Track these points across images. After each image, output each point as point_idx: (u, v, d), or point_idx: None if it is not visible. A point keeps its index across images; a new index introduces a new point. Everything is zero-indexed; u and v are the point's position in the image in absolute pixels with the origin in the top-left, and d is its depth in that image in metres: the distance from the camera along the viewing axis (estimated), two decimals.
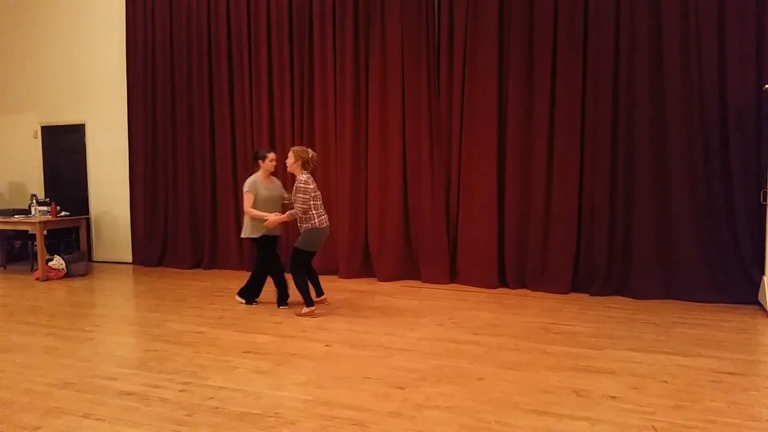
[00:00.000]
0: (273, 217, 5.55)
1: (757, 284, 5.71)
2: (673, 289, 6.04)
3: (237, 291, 6.43)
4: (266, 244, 5.77)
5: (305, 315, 5.50)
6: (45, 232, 7.99)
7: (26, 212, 8.24)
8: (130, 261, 8.87)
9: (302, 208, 5.33)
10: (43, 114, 9.34)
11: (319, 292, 5.87)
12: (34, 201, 8.08)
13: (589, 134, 6.33)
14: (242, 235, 5.81)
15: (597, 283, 6.26)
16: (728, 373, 3.89)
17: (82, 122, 9.09)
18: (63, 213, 8.31)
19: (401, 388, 3.67)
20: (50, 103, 9.28)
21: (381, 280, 7.19)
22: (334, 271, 7.58)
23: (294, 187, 5.38)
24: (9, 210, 8.37)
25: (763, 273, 5.54)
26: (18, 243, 9.21)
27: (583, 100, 6.35)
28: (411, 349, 4.45)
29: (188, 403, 3.48)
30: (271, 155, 5.78)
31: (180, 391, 3.68)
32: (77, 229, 8.44)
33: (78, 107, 9.10)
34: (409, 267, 7.24)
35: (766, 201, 5.46)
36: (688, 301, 5.92)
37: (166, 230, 8.60)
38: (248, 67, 7.92)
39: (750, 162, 5.82)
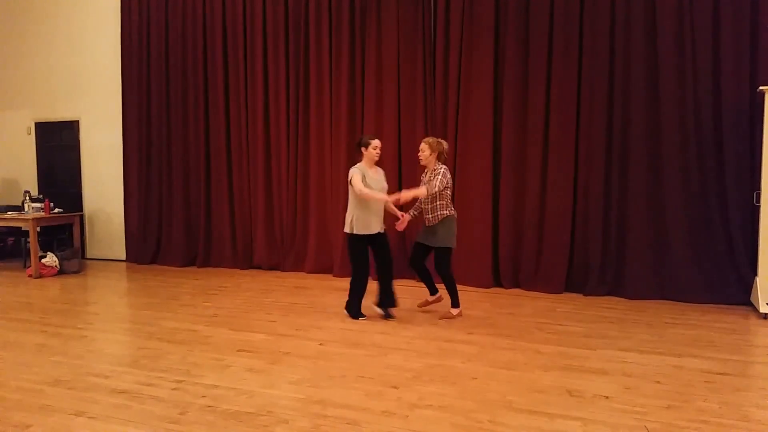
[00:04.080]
0: (405, 194, 5.09)
1: (749, 285, 5.74)
2: (667, 290, 6.06)
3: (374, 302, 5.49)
4: (363, 242, 5.18)
5: (456, 317, 5.33)
6: (38, 229, 7.95)
7: (19, 209, 8.20)
8: (124, 258, 8.82)
9: (437, 185, 4.98)
10: (37, 110, 9.28)
11: (434, 291, 5.53)
12: (28, 197, 8.03)
13: (583, 135, 6.34)
14: (346, 230, 5.17)
15: (591, 283, 6.28)
16: (720, 373, 3.91)
17: (77, 119, 9.04)
18: (56, 210, 8.26)
19: (395, 387, 3.67)
20: (44, 99, 9.22)
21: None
22: (328, 270, 7.56)
23: (430, 175, 5.12)
24: (2, 206, 8.32)
25: (755, 274, 5.56)
26: (11, 240, 9.16)
27: (578, 101, 6.36)
28: (405, 348, 4.45)
29: (181, 402, 3.47)
30: (376, 142, 5.21)
31: (173, 389, 3.67)
32: (70, 226, 8.39)
33: (72, 103, 9.05)
34: (403, 266, 7.23)
35: (759, 202, 5.48)
36: (681, 301, 5.94)
37: (160, 228, 8.57)
38: (243, 65, 7.89)
39: (743, 163, 5.85)
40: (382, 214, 5.23)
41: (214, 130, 8.11)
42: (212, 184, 8.19)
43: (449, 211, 5.17)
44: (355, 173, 5.07)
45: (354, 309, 5.34)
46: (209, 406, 3.40)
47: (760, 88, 5.36)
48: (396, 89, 7.10)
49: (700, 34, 5.90)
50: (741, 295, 5.78)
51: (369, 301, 5.50)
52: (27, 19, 9.25)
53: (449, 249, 5.21)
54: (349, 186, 5.11)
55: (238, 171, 8.02)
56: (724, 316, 5.42)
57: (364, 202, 5.07)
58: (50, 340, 4.75)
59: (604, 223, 6.31)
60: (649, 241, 6.14)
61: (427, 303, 5.62)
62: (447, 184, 5.13)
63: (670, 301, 5.97)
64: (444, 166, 5.19)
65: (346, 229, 5.20)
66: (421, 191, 5.08)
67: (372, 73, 7.17)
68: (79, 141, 9.06)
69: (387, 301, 5.36)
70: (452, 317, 5.33)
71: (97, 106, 8.90)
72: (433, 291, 5.52)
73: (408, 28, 7.01)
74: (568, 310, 5.64)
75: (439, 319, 5.32)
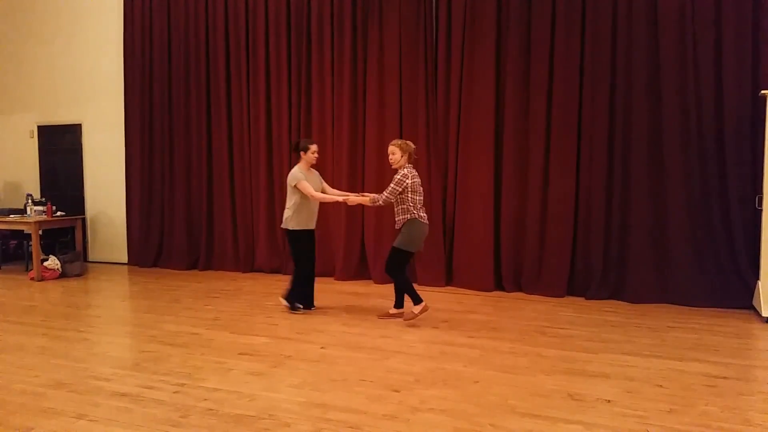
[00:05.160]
0: (354, 198, 5.42)
1: (751, 289, 5.73)
2: (669, 294, 6.05)
3: (282, 295, 5.81)
4: (305, 237, 5.57)
5: (419, 314, 5.18)
6: (40, 232, 7.97)
7: (22, 212, 8.21)
8: (126, 261, 8.83)
9: (386, 197, 5.11)
10: (40, 114, 9.31)
11: (399, 305, 5.45)
12: (30, 201, 8.05)
13: (585, 139, 6.34)
14: (283, 226, 5.60)
15: (593, 287, 6.28)
16: (722, 377, 3.90)
17: (79, 122, 9.06)
18: (59, 213, 8.28)
19: (396, 390, 3.67)
20: (47, 102, 9.25)
21: (377, 282, 7.19)
22: (330, 273, 7.56)
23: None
24: (5, 209, 8.33)
25: (757, 278, 5.56)
26: (13, 243, 9.17)
27: (580, 105, 6.36)
28: (406, 352, 4.45)
29: (182, 405, 3.47)
30: (314, 147, 5.59)
31: (174, 392, 3.67)
32: (73, 229, 8.41)
33: (75, 107, 9.07)
34: (412, 269, 7.24)
35: (761, 206, 5.48)
36: (683, 305, 5.92)
37: (161, 231, 8.58)
38: (245, 68, 7.91)
39: (745, 167, 5.84)
40: (317, 212, 5.69)
41: (216, 134, 8.12)
42: (214, 187, 8.20)
43: (410, 215, 5.14)
44: (300, 179, 5.44)
45: (292, 300, 5.65)
46: (211, 410, 3.40)
47: (762, 92, 5.37)
48: (398, 90, 7.11)
49: (701, 38, 5.90)
50: (743, 299, 5.77)
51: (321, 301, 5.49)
52: (29, 23, 9.28)
53: (403, 252, 5.19)
54: (289, 187, 5.51)
55: (240, 174, 8.04)
56: (726, 320, 5.41)
57: (305, 202, 5.47)
58: (52, 343, 4.76)
59: (606, 227, 6.31)
60: (651, 244, 6.13)
61: (387, 315, 5.50)
62: (406, 188, 5.09)
63: (672, 305, 5.96)
64: (406, 170, 5.17)
65: (288, 226, 5.53)
66: (365, 200, 5.35)
67: (374, 74, 7.18)
68: (81, 144, 9.08)
69: (305, 299, 5.76)
70: (414, 316, 5.18)
71: (99, 109, 8.92)
72: (399, 305, 5.47)
73: (410, 29, 7.02)
74: (570, 314, 5.64)
75: (404, 320, 5.27)
